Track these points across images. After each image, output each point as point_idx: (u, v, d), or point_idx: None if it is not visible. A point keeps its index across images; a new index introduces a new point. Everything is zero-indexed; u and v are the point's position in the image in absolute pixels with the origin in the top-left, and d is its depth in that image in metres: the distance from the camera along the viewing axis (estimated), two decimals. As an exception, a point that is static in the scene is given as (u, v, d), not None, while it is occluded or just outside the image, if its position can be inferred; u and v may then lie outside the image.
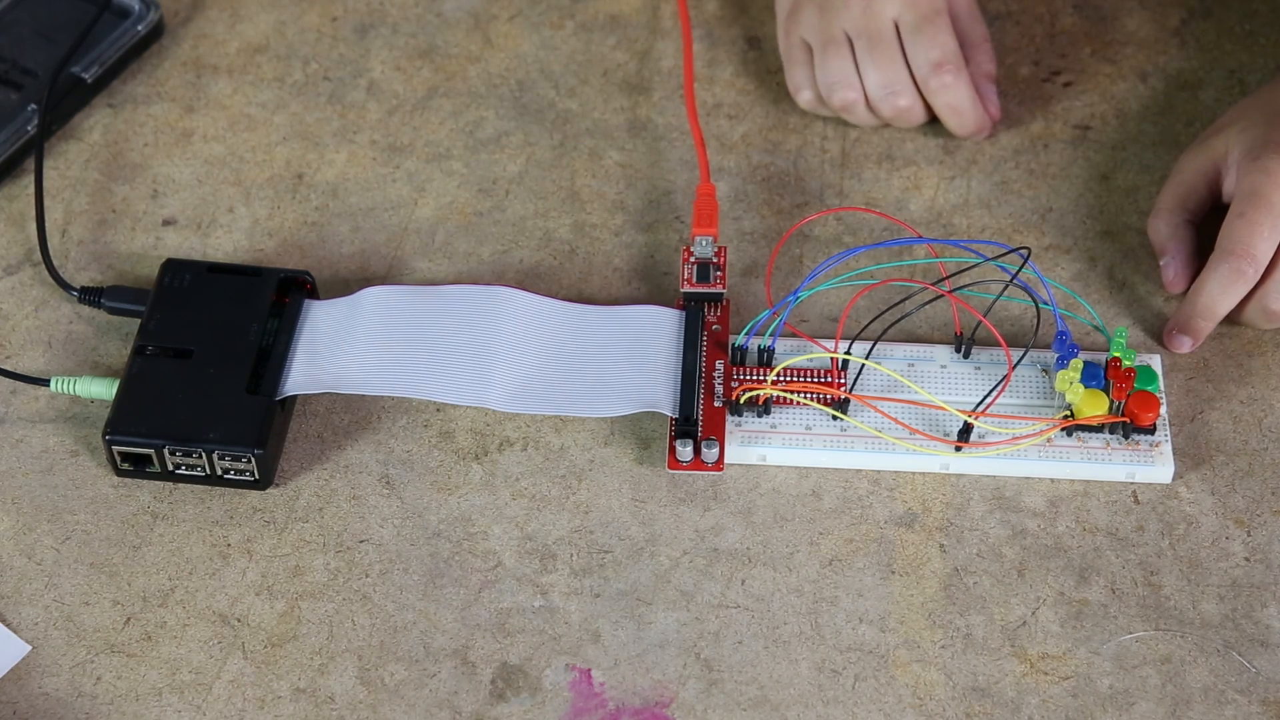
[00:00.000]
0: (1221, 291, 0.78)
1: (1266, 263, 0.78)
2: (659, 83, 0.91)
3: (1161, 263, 0.81)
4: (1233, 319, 0.80)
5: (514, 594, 0.74)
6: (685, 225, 0.85)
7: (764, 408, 0.78)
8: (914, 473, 0.77)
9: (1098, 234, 0.85)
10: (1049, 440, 0.77)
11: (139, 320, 0.80)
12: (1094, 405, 0.76)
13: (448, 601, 0.74)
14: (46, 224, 0.85)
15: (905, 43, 0.86)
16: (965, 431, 0.76)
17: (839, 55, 0.86)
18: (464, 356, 0.79)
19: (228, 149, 0.89)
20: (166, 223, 0.86)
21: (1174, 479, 0.77)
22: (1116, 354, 0.77)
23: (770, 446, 0.77)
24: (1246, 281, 0.78)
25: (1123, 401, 0.76)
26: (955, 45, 0.86)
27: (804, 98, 0.88)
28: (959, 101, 0.86)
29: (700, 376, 0.78)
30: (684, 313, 0.80)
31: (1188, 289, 0.80)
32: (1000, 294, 0.79)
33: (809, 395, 0.78)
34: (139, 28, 0.91)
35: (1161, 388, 0.78)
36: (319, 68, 0.92)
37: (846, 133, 0.88)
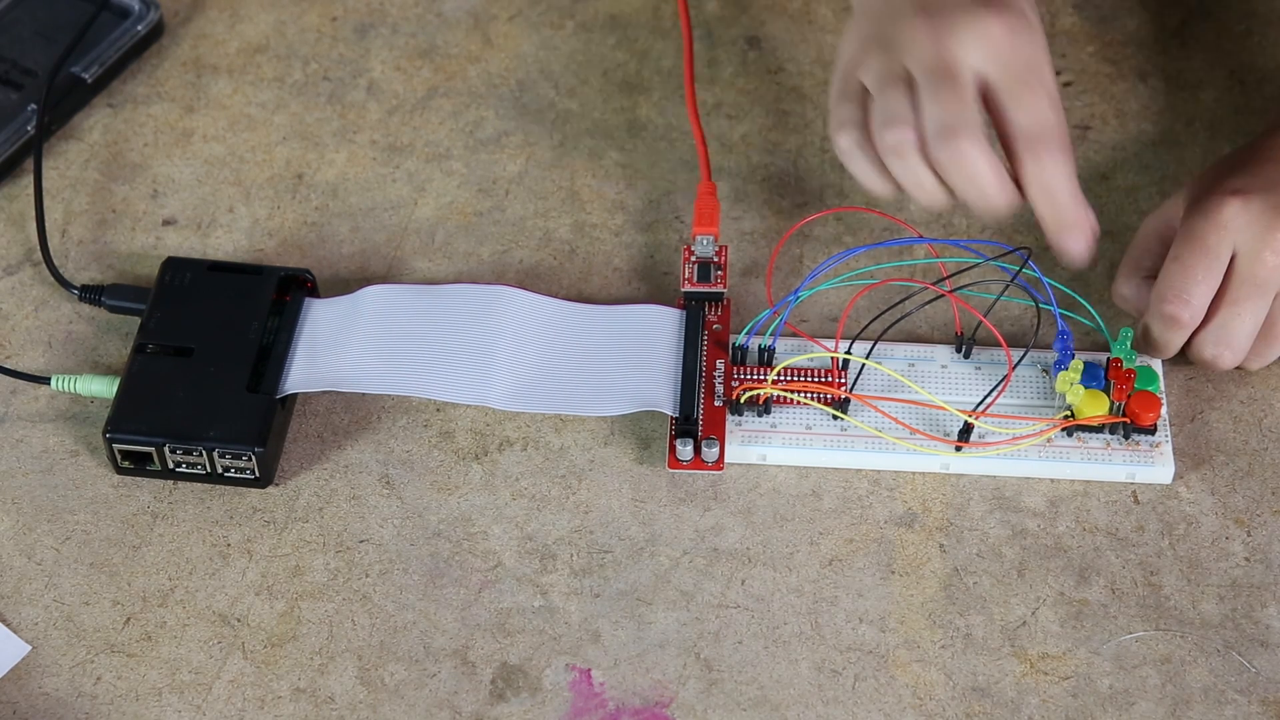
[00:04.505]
0: (1162, 341, 0.77)
1: (1203, 307, 0.76)
2: (659, 83, 0.91)
3: (1141, 322, 0.79)
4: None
5: (514, 594, 0.74)
6: (685, 225, 0.85)
7: (764, 407, 0.78)
8: (914, 473, 0.77)
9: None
10: (1049, 440, 0.77)
11: (139, 319, 0.80)
12: (1094, 406, 0.76)
13: (448, 601, 0.74)
14: (46, 224, 0.85)
15: (998, 105, 0.72)
16: (965, 431, 0.76)
17: (897, 93, 0.73)
18: (464, 355, 0.79)
19: (228, 149, 0.89)
20: (166, 223, 0.86)
21: (1174, 479, 0.77)
22: (1117, 354, 0.77)
23: (770, 446, 0.77)
24: (1183, 327, 0.77)
25: (1123, 402, 0.76)
26: (1061, 116, 0.72)
27: (844, 139, 0.75)
28: (1057, 185, 0.72)
29: (700, 376, 0.78)
30: (684, 312, 0.80)
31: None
32: (1001, 294, 0.79)
33: (809, 395, 0.78)
34: (139, 28, 0.91)
35: (1162, 388, 0.78)
36: (319, 68, 0.92)
37: (846, 133, 0.88)
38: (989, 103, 0.72)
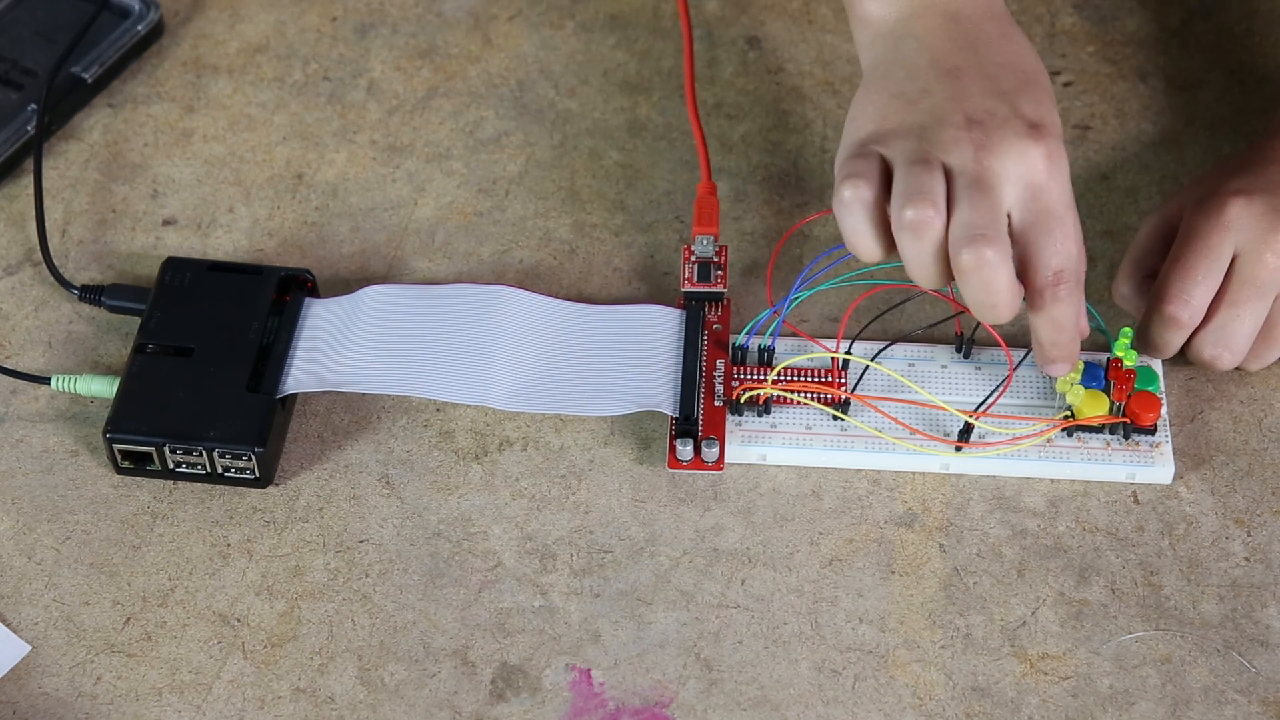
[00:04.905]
0: (1161, 341, 0.77)
1: (1202, 308, 0.76)
2: (659, 83, 0.91)
3: (1140, 322, 0.79)
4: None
5: (514, 594, 0.74)
6: (685, 225, 0.85)
7: (764, 407, 0.78)
8: (914, 473, 0.77)
9: (1098, 234, 0.85)
10: (1049, 440, 0.77)
11: (139, 319, 0.80)
12: (1094, 406, 0.76)
13: (448, 601, 0.74)
14: (46, 224, 0.85)
15: (1026, 239, 0.72)
16: (965, 432, 0.76)
17: (932, 174, 0.71)
18: (465, 355, 0.79)
19: (228, 149, 0.89)
20: (166, 223, 0.86)
21: (1174, 479, 0.77)
22: (1118, 354, 0.77)
23: (770, 446, 0.77)
24: (1183, 328, 0.76)
25: (1123, 402, 0.76)
26: (1079, 256, 0.72)
27: (851, 190, 0.71)
28: (1066, 322, 0.73)
29: (701, 376, 0.78)
30: (684, 312, 0.80)
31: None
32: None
33: (809, 395, 0.78)
34: (139, 28, 0.91)
35: (1162, 388, 0.78)
36: (319, 68, 0.92)
37: (846, 133, 0.88)
38: (1013, 228, 0.72)
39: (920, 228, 0.70)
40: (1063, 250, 0.71)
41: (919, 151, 0.71)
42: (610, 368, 0.78)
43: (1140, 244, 0.80)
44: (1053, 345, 0.74)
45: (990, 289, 0.70)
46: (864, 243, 0.72)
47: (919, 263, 0.71)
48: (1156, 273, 0.78)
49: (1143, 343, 0.78)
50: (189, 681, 0.72)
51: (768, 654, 0.72)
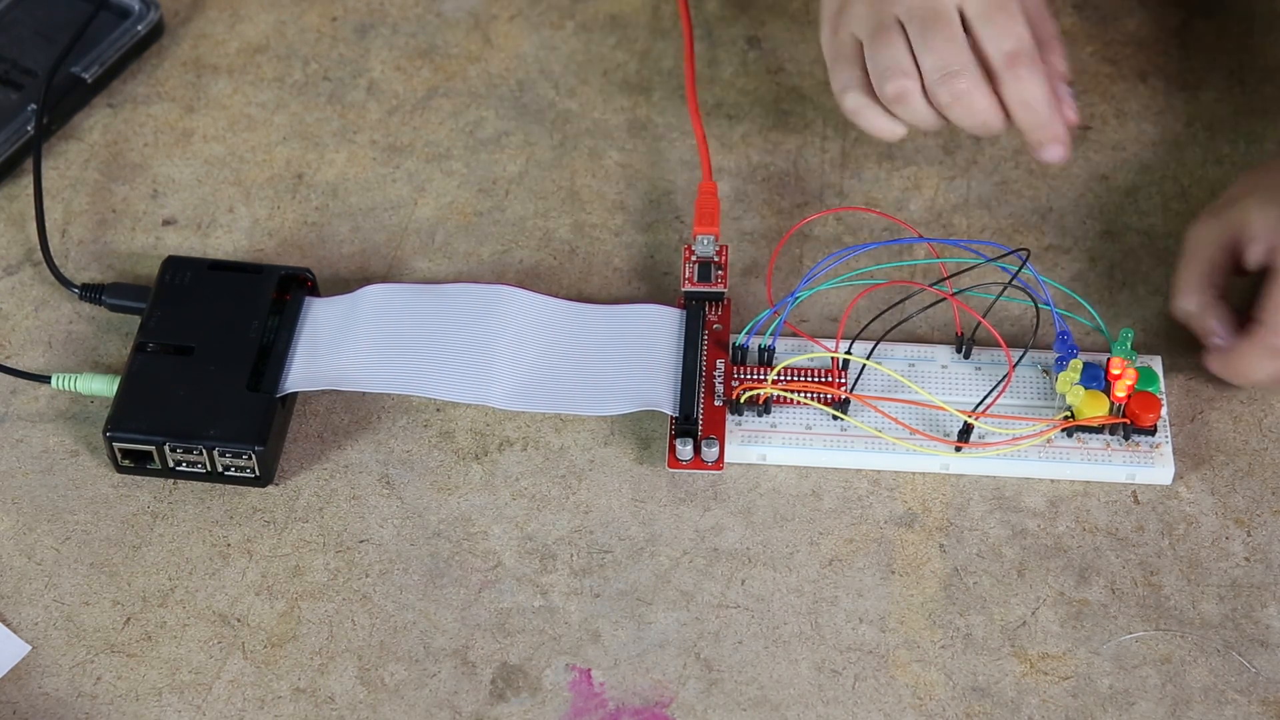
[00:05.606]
0: (1260, 372, 0.76)
1: None
2: (659, 83, 0.91)
3: (1213, 342, 0.78)
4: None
5: (514, 594, 0.74)
6: (685, 225, 0.85)
7: (764, 407, 0.78)
8: (914, 473, 0.77)
9: (1098, 234, 0.85)
10: (1049, 441, 0.77)
11: (140, 318, 0.80)
12: (1094, 406, 0.76)
13: (448, 601, 0.74)
14: (46, 224, 0.85)
15: (975, 32, 0.78)
16: (965, 432, 0.76)
17: (891, 42, 0.78)
18: (465, 354, 0.79)
19: (228, 149, 0.89)
20: (166, 223, 0.86)
21: (1174, 479, 0.77)
22: (1118, 354, 0.77)
23: (770, 446, 0.77)
24: None
25: (1123, 403, 0.76)
26: (1030, 36, 0.78)
27: (850, 100, 0.80)
28: (1034, 98, 0.78)
29: (701, 375, 0.78)
30: (685, 312, 0.80)
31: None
32: (999, 295, 0.79)
33: (809, 395, 0.78)
34: (139, 28, 0.91)
35: (1162, 388, 0.78)
36: (319, 68, 0.92)
37: (847, 132, 0.88)
38: (967, 29, 0.78)
39: (902, 98, 0.78)
40: (1010, 34, 0.78)
41: (875, 18, 0.78)
42: (610, 367, 0.79)
43: (1203, 256, 0.78)
44: (1033, 127, 0.79)
45: (974, 113, 0.78)
46: (886, 130, 0.80)
47: (917, 119, 0.79)
48: (1221, 290, 0.77)
49: (1226, 368, 0.77)
50: (189, 681, 0.72)
51: (768, 654, 0.73)
